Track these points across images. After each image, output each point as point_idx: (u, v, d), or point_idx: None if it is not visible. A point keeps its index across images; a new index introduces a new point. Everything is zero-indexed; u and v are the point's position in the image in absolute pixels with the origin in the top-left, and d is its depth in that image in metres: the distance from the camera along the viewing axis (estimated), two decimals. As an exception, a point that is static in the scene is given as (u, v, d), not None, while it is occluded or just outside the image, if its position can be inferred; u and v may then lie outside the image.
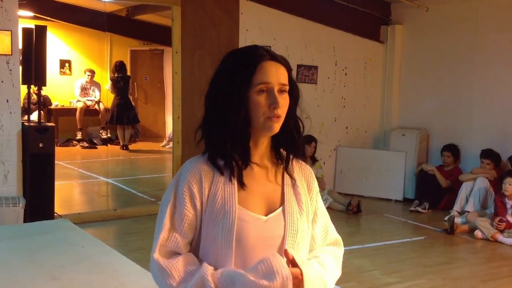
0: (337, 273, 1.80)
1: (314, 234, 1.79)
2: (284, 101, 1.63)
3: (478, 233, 6.01)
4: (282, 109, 1.62)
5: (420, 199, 7.32)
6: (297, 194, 1.73)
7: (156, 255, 1.62)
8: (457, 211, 6.73)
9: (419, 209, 7.20)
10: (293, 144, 1.71)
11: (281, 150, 1.74)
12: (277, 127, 1.63)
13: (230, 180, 1.64)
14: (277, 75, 1.63)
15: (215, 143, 1.65)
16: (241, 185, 1.64)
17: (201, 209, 1.63)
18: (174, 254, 1.64)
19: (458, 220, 6.47)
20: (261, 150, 1.69)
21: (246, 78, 1.60)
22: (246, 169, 1.65)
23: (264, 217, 1.65)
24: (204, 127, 1.68)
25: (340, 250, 1.86)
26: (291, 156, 1.73)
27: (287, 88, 1.65)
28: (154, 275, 1.65)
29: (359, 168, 8.11)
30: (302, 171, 1.78)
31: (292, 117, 1.68)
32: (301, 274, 1.59)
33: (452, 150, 7.36)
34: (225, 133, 1.62)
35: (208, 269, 1.58)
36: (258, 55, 1.63)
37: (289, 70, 1.67)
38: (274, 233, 1.65)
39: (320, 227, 1.81)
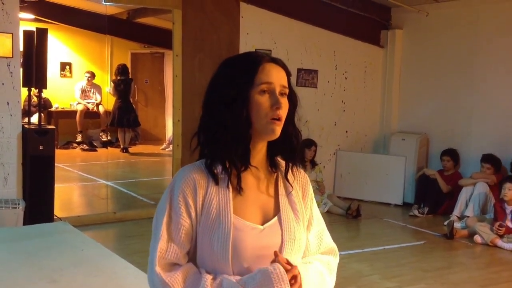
0: (331, 284, 1.77)
1: (308, 241, 1.76)
2: (285, 104, 1.63)
3: (477, 238, 6.01)
4: (284, 111, 1.62)
5: (420, 203, 7.32)
6: (292, 203, 1.71)
7: (157, 268, 1.58)
8: (456, 216, 6.73)
9: (416, 212, 7.20)
10: (291, 151, 1.70)
11: (276, 158, 1.72)
12: (278, 130, 1.62)
13: (225, 188, 1.62)
14: (278, 76, 1.63)
15: (214, 147, 1.63)
16: (239, 190, 1.62)
17: (196, 218, 1.61)
18: (174, 265, 1.61)
19: (457, 225, 6.46)
20: (258, 157, 1.67)
21: (248, 79, 1.60)
22: (244, 172, 1.63)
23: (261, 226, 1.63)
24: (202, 132, 1.66)
25: (335, 260, 1.82)
26: (290, 164, 1.72)
27: (287, 91, 1.65)
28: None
29: (359, 172, 8.11)
30: (296, 177, 1.76)
31: (290, 124, 1.67)
32: (298, 273, 1.59)
33: (452, 154, 7.36)
34: (225, 136, 1.60)
35: (208, 282, 1.56)
36: (259, 57, 1.64)
37: (288, 74, 1.68)
38: (271, 242, 1.63)
39: (315, 234, 1.79)
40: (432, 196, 7.26)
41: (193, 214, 1.61)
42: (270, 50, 7.18)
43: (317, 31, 7.88)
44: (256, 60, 1.63)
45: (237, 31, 7.14)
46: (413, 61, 8.28)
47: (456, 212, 6.77)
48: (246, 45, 7.15)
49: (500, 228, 5.92)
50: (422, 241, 6.15)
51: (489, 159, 6.85)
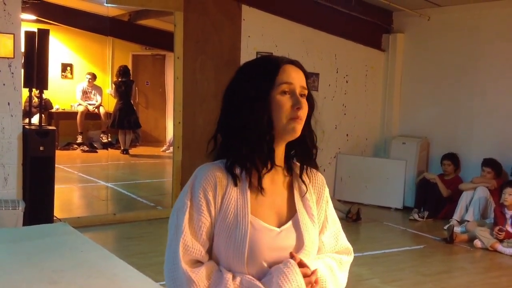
0: (342, 278, 1.78)
1: (322, 242, 1.78)
2: (305, 104, 1.65)
3: (477, 243, 6.01)
4: (304, 112, 1.64)
5: (420, 208, 7.32)
6: (307, 206, 1.73)
7: (183, 264, 1.58)
8: (456, 220, 6.72)
9: (416, 216, 7.19)
10: (307, 154, 1.73)
11: (292, 161, 1.74)
12: (299, 129, 1.64)
13: (244, 189, 1.63)
14: (298, 77, 1.66)
15: (236, 148, 1.63)
16: (261, 190, 1.64)
17: (214, 216, 1.62)
18: (197, 262, 1.61)
19: (457, 229, 6.46)
20: (278, 158, 1.68)
21: (268, 79, 1.62)
22: (268, 173, 1.64)
23: (277, 229, 1.65)
24: (222, 134, 1.67)
25: (348, 257, 1.83)
26: (305, 166, 1.74)
27: (307, 92, 1.68)
28: (177, 285, 1.59)
29: (359, 175, 8.11)
30: (312, 181, 1.78)
31: (307, 126, 1.69)
32: (312, 273, 1.61)
33: (453, 159, 7.36)
34: (247, 137, 1.61)
35: (229, 281, 1.57)
36: (278, 59, 1.67)
37: (306, 76, 1.70)
38: (286, 244, 1.65)
39: (330, 235, 1.80)
40: (432, 200, 7.25)
41: (212, 211, 1.62)
42: (271, 53, 7.18)
43: (318, 34, 7.89)
44: (276, 62, 1.65)
45: (239, 33, 7.15)
46: (415, 65, 8.28)
47: (456, 216, 6.77)
48: (247, 48, 7.15)
49: (500, 233, 5.91)
50: (422, 245, 6.14)
51: (490, 163, 6.85)
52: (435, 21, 7.92)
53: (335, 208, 6.95)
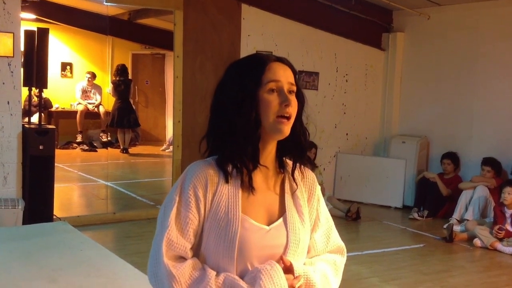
0: (335, 283, 1.79)
1: (314, 241, 1.77)
2: (294, 101, 1.64)
3: (477, 242, 6.01)
4: (293, 109, 1.63)
5: (420, 206, 7.32)
6: (297, 205, 1.73)
7: (165, 259, 1.58)
8: (456, 219, 6.72)
9: (415, 215, 7.19)
10: (299, 151, 1.71)
11: (284, 159, 1.74)
12: (287, 129, 1.63)
13: (235, 187, 1.63)
14: (285, 74, 1.65)
15: (224, 147, 1.64)
16: (251, 190, 1.64)
17: (204, 213, 1.62)
18: (180, 258, 1.61)
19: (457, 228, 6.46)
20: (267, 157, 1.68)
21: (255, 78, 1.61)
22: (254, 172, 1.64)
23: (267, 227, 1.65)
24: (212, 133, 1.67)
25: (341, 258, 1.83)
26: (297, 163, 1.73)
27: (295, 89, 1.66)
28: (158, 279, 1.60)
29: (359, 174, 8.11)
30: (303, 178, 1.77)
31: (298, 122, 1.68)
32: (295, 278, 1.63)
33: (452, 158, 7.36)
34: (235, 136, 1.61)
35: (212, 279, 1.57)
36: (265, 57, 1.67)
37: (295, 72, 1.69)
38: (276, 242, 1.65)
39: (321, 234, 1.80)
40: (432, 199, 7.25)
41: (202, 209, 1.62)
42: (271, 52, 7.18)
43: (318, 33, 7.89)
44: (262, 60, 1.65)
45: (238, 32, 7.15)
46: (414, 64, 8.28)
47: (456, 215, 6.77)
48: (247, 47, 7.15)
49: (500, 232, 5.92)
50: (422, 244, 6.14)
51: (489, 162, 6.85)
52: (435, 20, 7.92)
53: (335, 207, 6.95)
